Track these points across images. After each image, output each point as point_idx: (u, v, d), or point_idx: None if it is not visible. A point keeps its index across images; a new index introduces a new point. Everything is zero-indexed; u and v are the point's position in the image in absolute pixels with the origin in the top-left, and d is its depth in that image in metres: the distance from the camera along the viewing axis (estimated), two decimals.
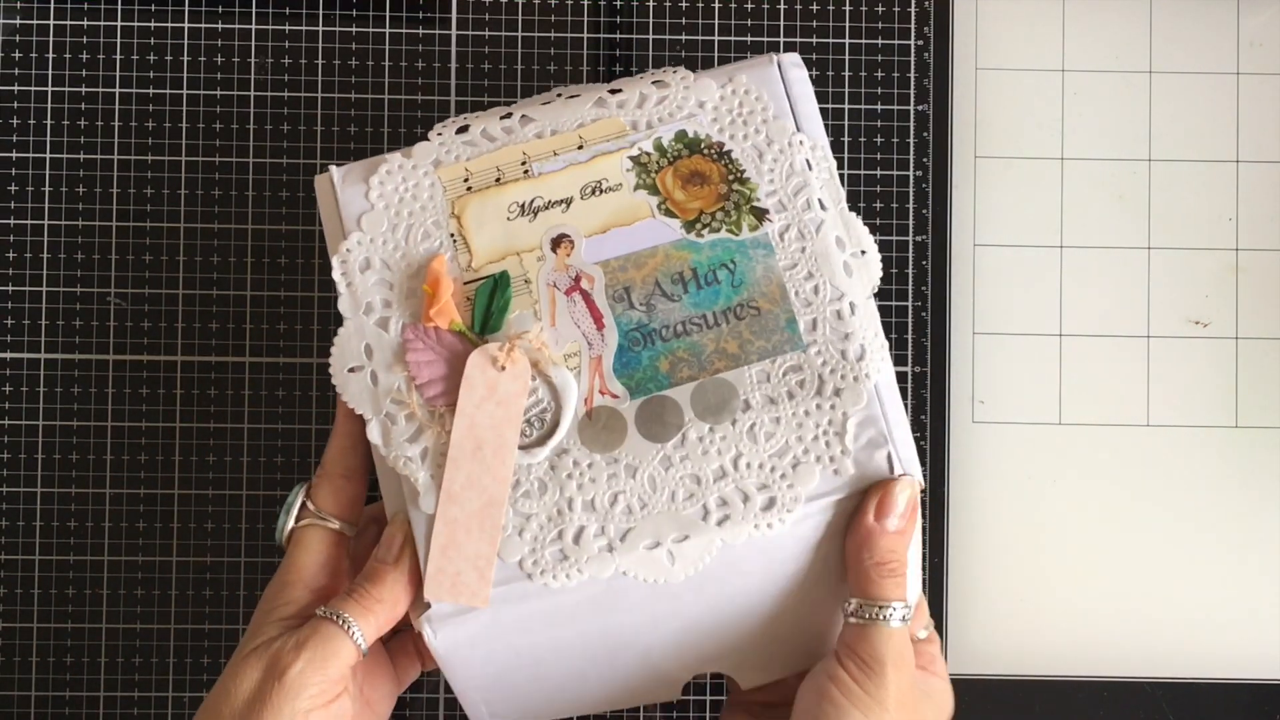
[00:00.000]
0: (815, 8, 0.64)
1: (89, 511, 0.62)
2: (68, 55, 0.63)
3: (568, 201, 0.51)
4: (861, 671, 0.48)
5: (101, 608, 0.62)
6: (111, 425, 0.63)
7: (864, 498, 0.49)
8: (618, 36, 0.64)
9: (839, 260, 0.51)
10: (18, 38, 0.63)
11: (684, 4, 0.64)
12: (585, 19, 0.64)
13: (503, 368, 0.49)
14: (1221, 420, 0.65)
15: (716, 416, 0.50)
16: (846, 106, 0.64)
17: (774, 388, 0.50)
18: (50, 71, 0.63)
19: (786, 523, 0.49)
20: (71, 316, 0.63)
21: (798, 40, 0.64)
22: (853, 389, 0.50)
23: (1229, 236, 0.65)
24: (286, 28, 0.63)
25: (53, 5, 0.63)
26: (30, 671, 0.62)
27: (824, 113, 0.57)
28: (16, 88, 0.63)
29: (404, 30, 0.64)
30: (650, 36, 0.64)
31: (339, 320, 0.51)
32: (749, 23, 0.64)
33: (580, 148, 0.52)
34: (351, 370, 0.51)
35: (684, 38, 0.64)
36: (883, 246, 0.62)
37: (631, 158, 0.51)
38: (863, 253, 0.51)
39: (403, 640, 0.56)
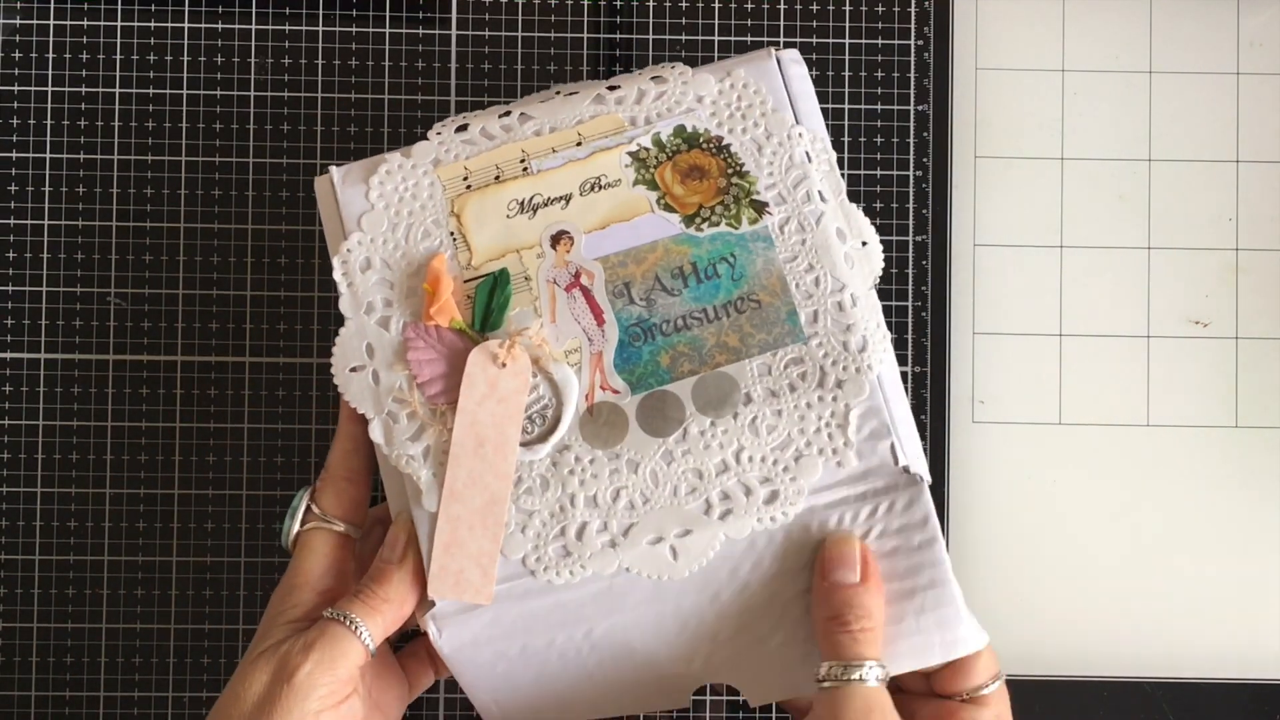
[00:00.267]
0: (815, 7, 0.64)
1: (89, 511, 0.62)
2: (68, 55, 0.63)
3: (567, 198, 0.51)
4: None
5: (101, 608, 0.62)
6: (111, 425, 0.62)
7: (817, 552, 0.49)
8: (618, 36, 0.64)
9: (840, 252, 0.51)
10: (18, 38, 0.63)
11: (684, 4, 0.64)
12: (585, 19, 0.64)
13: (503, 365, 0.49)
14: (1221, 420, 0.65)
15: (718, 410, 0.50)
16: (846, 106, 0.64)
17: (775, 381, 0.50)
18: (50, 71, 0.63)
19: (790, 515, 0.49)
20: (71, 316, 0.63)
21: (798, 40, 0.64)
22: (855, 380, 0.50)
23: (1229, 236, 0.65)
24: (286, 28, 0.64)
25: (53, 5, 0.63)
26: (30, 671, 0.62)
27: (824, 113, 0.57)
28: (16, 88, 0.63)
29: (404, 30, 0.64)
30: (650, 36, 0.64)
31: (339, 320, 0.51)
32: (749, 22, 0.64)
33: (579, 144, 0.52)
34: (353, 370, 0.51)
35: (684, 38, 0.64)
36: (883, 246, 0.62)
37: (630, 153, 0.51)
38: (864, 244, 0.51)
39: (415, 647, 0.56)
